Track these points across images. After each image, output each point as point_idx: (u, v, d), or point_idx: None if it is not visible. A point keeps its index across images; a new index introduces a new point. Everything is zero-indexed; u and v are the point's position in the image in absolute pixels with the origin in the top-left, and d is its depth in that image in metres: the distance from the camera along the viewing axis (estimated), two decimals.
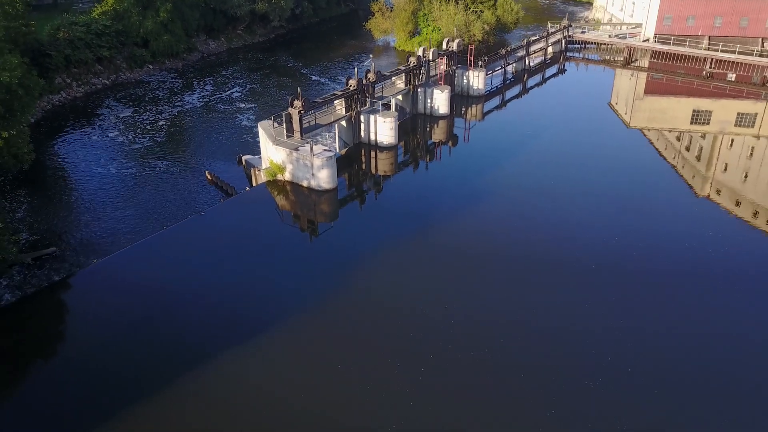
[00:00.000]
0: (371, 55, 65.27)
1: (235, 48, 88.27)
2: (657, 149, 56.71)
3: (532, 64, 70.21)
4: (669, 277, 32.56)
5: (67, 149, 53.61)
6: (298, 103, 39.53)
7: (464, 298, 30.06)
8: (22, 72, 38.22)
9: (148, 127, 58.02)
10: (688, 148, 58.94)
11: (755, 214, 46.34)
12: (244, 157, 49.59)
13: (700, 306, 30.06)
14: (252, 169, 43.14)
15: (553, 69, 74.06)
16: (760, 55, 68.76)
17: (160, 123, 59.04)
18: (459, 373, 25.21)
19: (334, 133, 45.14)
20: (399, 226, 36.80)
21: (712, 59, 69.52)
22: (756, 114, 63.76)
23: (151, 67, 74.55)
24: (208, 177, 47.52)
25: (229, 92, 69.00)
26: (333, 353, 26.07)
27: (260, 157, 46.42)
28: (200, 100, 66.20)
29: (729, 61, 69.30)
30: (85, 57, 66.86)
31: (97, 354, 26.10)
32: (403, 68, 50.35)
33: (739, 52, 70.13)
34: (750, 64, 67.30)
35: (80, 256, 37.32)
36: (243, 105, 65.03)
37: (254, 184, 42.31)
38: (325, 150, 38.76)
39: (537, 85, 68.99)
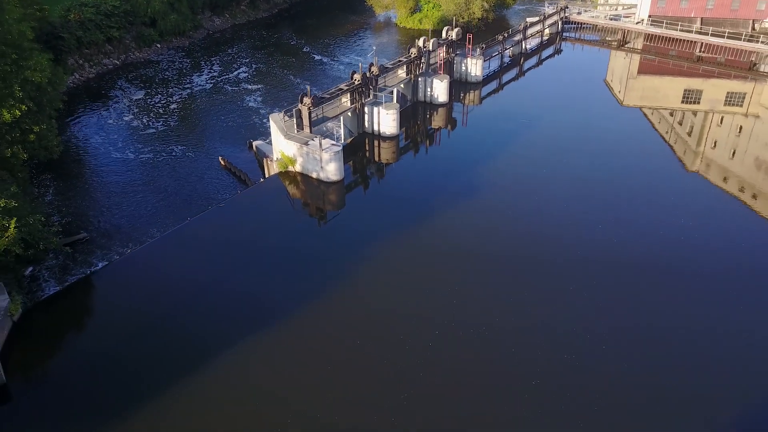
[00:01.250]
0: (374, 48, 67.47)
1: (239, 24, 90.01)
2: (652, 122, 60.05)
3: (529, 47, 72.54)
4: (660, 250, 37.01)
5: (86, 133, 56.54)
6: (307, 100, 42.54)
7: (465, 279, 33.89)
8: (51, 71, 41.04)
9: (161, 110, 60.83)
10: (681, 123, 62.42)
11: (741, 189, 50.15)
12: (254, 144, 52.71)
13: (683, 281, 34.02)
14: (264, 159, 46.34)
15: (550, 50, 76.42)
16: (748, 40, 71.09)
17: (172, 106, 61.82)
18: (464, 352, 29.16)
19: (340, 124, 48.17)
20: (401, 212, 40.47)
21: (702, 43, 71.88)
22: (744, 93, 66.76)
23: (159, 46, 76.69)
24: (222, 162, 50.76)
25: (235, 73, 71.45)
26: (345, 336, 29.98)
27: (269, 143, 49.52)
28: (208, 81, 68.74)
29: (718, 45, 71.69)
30: (95, 38, 69.04)
31: (131, 341, 29.82)
32: (405, 59, 53.01)
33: (729, 36, 72.42)
34: (738, 49, 69.78)
35: (109, 242, 40.82)
36: (249, 86, 67.62)
37: (267, 173, 45.56)
38: (332, 144, 41.99)
39: (534, 66, 71.54)
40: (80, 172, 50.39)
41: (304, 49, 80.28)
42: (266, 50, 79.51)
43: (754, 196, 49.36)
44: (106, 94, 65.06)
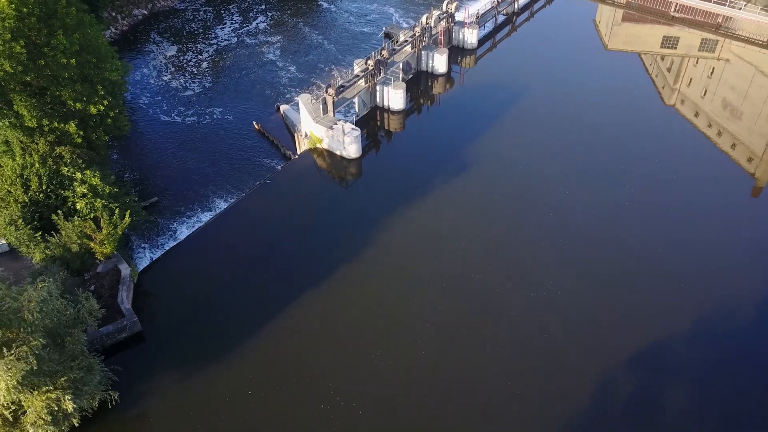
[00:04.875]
0: (384, 27, 74.68)
1: None
2: (642, 60, 72.97)
3: (520, 4, 79.49)
4: (634, 182, 51.34)
5: (134, 93, 65.23)
6: (331, 91, 52.18)
7: (467, 231, 45.69)
8: (125, 68, 49.97)
9: (194, 70, 69.30)
10: (662, 58, 73.00)
11: (709, 125, 61.78)
12: (282, 108, 62.43)
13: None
14: (295, 132, 56.60)
15: (541, 2, 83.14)
16: (717, 2, 78.16)
17: (203, 65, 70.19)
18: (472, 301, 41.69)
19: (358, 98, 57.99)
20: (410, 178, 51.72)
21: (677, 3, 79.02)
22: (717, 41, 76.26)
23: None
24: (256, 127, 60.73)
25: (254, 24, 78.60)
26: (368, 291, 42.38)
27: (295, 107, 59.09)
28: (231, 34, 76.21)
29: (691, 6, 78.98)
30: None
31: (219, 295, 42.07)
32: (410, 38, 61.59)
33: None
34: (708, 11, 77.30)
35: (176, 204, 51.86)
36: (267, 38, 75.40)
37: (298, 147, 56.01)
38: (352, 129, 52.21)
39: (525, 20, 79.08)
40: (136, 137, 59.90)
41: None
42: None
43: (719, 133, 61.00)
44: (142, 49, 72.89)
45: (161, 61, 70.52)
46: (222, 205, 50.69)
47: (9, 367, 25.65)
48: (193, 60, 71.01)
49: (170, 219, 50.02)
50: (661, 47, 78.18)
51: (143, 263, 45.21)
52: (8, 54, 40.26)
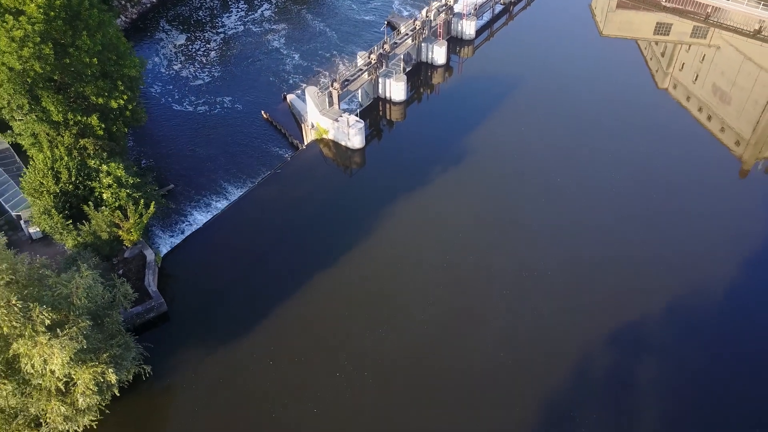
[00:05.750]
0: (385, 22, 77.17)
1: None
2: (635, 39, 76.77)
3: None
4: (628, 161, 55.92)
5: (146, 81, 67.99)
6: (337, 85, 55.49)
7: (468, 203, 49.59)
8: (142, 63, 52.99)
9: (203, 59, 72.17)
10: (656, 43, 76.32)
11: (699, 109, 65.49)
12: (288, 97, 65.65)
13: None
14: (302, 122, 59.99)
15: None
16: None
17: (212, 54, 73.03)
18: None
19: (361, 90, 61.19)
20: (411, 166, 55.31)
21: None
22: (708, 28, 79.26)
23: None
24: (264, 116, 64.01)
25: (259, 12, 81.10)
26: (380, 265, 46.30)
27: (301, 97, 62.47)
28: (237, 22, 78.81)
29: None
30: None
31: (239, 280, 46.05)
32: (411, 31, 64.57)
33: None
34: (699, 2, 79.99)
35: (190, 191, 55.49)
36: (273, 26, 78.10)
37: (305, 138, 59.44)
38: (357, 121, 55.56)
39: (522, 9, 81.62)
40: (150, 126, 62.80)
41: None
42: None
43: (709, 118, 64.71)
44: (152, 37, 75.60)
45: (171, 50, 73.31)
46: (235, 192, 54.28)
47: (63, 345, 29.54)
48: (202, 49, 73.80)
49: (186, 205, 53.63)
50: (655, 33, 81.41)
51: (164, 248, 48.99)
52: (38, 55, 43.37)
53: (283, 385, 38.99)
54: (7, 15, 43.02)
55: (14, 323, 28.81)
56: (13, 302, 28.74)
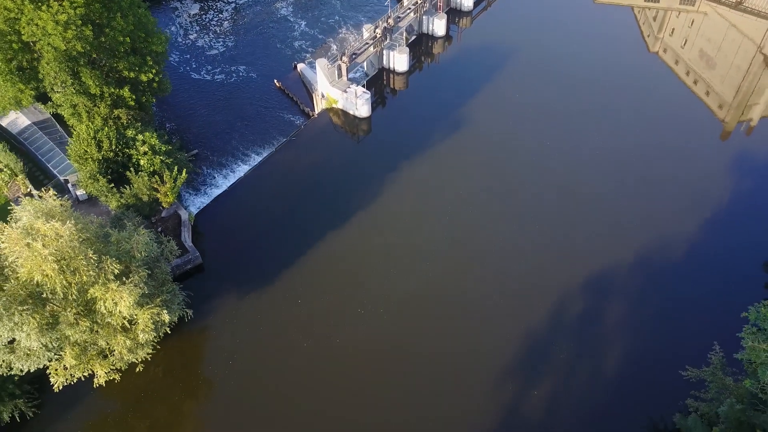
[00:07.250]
0: None
1: None
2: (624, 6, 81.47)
3: None
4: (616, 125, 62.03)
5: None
6: (345, 59, 60.63)
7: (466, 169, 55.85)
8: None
9: (217, 29, 76.60)
10: (648, 9, 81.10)
11: (687, 73, 71.01)
12: (299, 66, 70.62)
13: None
14: (312, 91, 65.36)
15: None
16: None
17: (225, 24, 77.40)
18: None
19: (367, 61, 66.26)
20: (414, 131, 61.12)
21: None
22: None
23: None
24: (277, 84, 69.12)
25: None
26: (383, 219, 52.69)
27: (310, 65, 67.62)
28: None
29: None
30: None
31: (265, 233, 52.38)
32: (413, 5, 69.25)
33: None
34: None
35: (213, 156, 61.27)
36: None
37: (316, 106, 64.87)
38: (363, 92, 60.97)
39: None
40: (172, 94, 67.39)
41: None
42: None
43: (695, 82, 70.19)
44: (167, 6, 79.69)
45: (186, 20, 77.64)
46: (255, 157, 60.11)
47: (130, 291, 36.05)
48: (215, 19, 78.15)
49: (211, 168, 59.50)
50: (646, 0, 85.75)
51: (193, 207, 55.14)
52: (79, 36, 48.48)
53: (309, 320, 45.86)
54: (51, 0, 47.92)
55: (91, 272, 35.18)
56: (90, 255, 35.07)
